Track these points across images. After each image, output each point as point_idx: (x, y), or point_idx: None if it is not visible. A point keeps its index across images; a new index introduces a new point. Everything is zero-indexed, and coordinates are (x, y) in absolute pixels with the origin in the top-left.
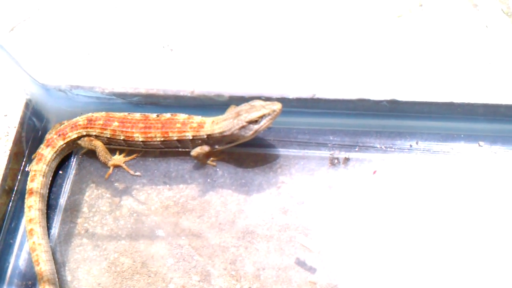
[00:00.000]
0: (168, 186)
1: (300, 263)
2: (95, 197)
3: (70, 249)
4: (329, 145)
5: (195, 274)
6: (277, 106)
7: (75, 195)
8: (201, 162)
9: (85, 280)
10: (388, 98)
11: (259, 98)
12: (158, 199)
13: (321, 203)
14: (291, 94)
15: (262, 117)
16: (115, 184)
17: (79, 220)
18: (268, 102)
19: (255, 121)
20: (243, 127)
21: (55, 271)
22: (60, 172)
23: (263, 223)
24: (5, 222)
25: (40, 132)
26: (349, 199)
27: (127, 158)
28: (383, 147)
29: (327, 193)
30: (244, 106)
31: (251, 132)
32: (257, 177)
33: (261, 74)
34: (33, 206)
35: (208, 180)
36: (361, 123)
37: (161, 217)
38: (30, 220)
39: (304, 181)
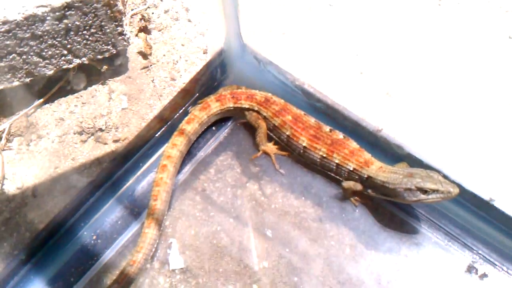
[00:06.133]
0: (298, 195)
1: None
2: (226, 166)
3: (181, 198)
4: (475, 251)
5: None
6: (455, 190)
7: (213, 155)
8: (345, 195)
9: (179, 233)
10: None
11: (437, 171)
12: (282, 202)
13: None
14: (469, 186)
15: (434, 191)
16: (251, 165)
17: (202, 177)
18: (447, 181)
19: (425, 191)
20: (409, 189)
21: (165, 214)
22: (213, 128)
23: (369, 285)
24: (145, 146)
25: (215, 83)
26: None
27: (280, 152)
28: None
29: None
30: (420, 171)
31: (414, 199)
32: (390, 240)
33: (453, 149)
34: (177, 146)
35: (343, 215)
36: None
37: (276, 219)
38: (168, 157)
39: (431, 272)
